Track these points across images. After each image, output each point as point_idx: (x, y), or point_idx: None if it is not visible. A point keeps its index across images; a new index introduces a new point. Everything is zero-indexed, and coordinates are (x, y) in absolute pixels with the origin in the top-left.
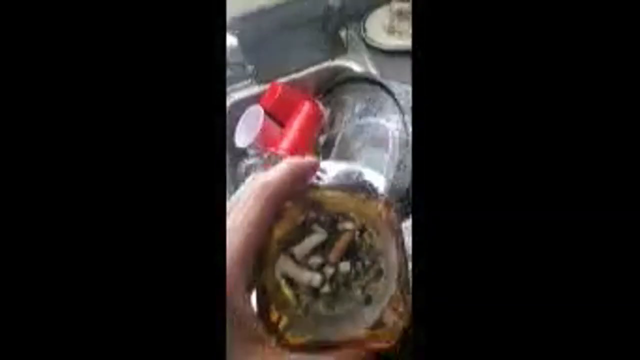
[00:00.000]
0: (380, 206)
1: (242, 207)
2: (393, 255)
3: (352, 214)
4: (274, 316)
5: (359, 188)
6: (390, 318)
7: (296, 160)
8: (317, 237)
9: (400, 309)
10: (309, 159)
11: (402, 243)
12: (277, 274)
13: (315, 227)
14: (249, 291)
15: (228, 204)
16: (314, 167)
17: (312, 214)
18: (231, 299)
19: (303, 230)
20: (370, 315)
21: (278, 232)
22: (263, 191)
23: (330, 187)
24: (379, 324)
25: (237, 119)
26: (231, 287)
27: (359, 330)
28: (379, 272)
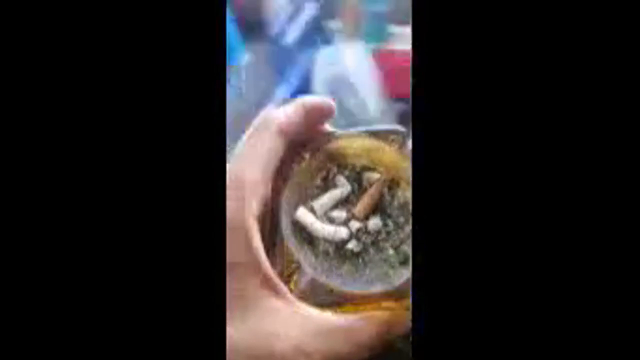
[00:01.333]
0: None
1: (250, 141)
2: None
3: (379, 166)
4: (289, 272)
5: (387, 133)
6: None
7: (310, 99)
8: (340, 191)
9: None
10: (323, 98)
11: None
12: (295, 229)
13: (338, 180)
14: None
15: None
16: (330, 108)
17: (334, 168)
18: (247, 238)
19: (324, 185)
20: (408, 276)
21: (297, 181)
22: (273, 127)
23: (355, 134)
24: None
25: None
26: (242, 222)
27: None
28: None
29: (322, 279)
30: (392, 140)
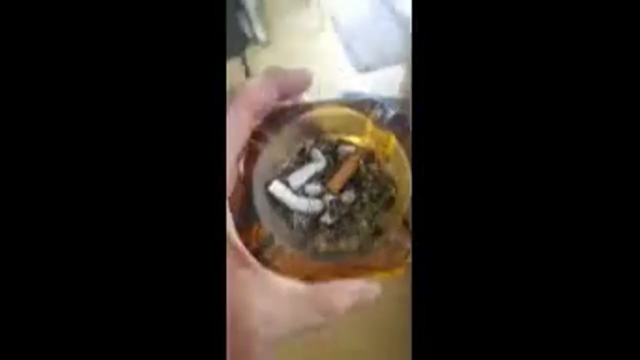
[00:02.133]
0: (392, 125)
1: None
2: (406, 179)
3: (356, 139)
4: (262, 245)
5: (363, 102)
6: (400, 235)
7: (283, 69)
8: (315, 164)
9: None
10: (299, 69)
11: None
12: (268, 202)
13: (315, 153)
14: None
15: None
16: (305, 79)
17: (310, 141)
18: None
19: (301, 158)
20: (381, 247)
21: (271, 154)
22: (239, 100)
23: (330, 104)
24: (386, 248)
25: None
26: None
27: (363, 260)
28: (390, 201)
29: (295, 251)
30: (369, 111)
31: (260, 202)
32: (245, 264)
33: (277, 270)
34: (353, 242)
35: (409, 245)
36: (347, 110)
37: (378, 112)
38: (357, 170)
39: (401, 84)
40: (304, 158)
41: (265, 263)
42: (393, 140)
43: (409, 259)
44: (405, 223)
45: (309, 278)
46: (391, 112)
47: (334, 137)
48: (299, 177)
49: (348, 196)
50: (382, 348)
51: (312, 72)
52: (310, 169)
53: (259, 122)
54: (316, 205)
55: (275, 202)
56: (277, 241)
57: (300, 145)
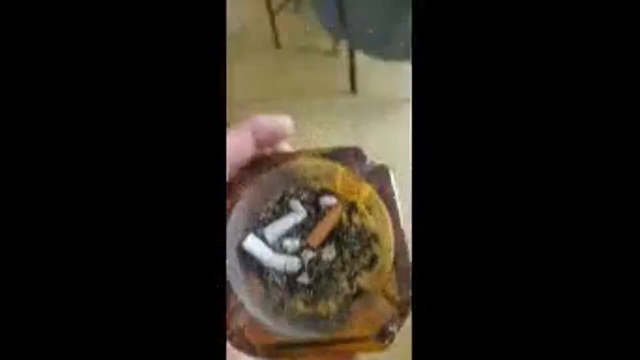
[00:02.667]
0: (372, 178)
1: None
2: (389, 237)
3: (338, 189)
4: (232, 312)
5: (345, 154)
6: (380, 304)
7: (261, 120)
8: (294, 216)
9: (396, 297)
10: (278, 119)
11: (399, 219)
12: (242, 259)
13: (294, 204)
14: None
15: None
16: (283, 130)
17: (291, 190)
18: None
19: (279, 208)
20: (362, 310)
21: (247, 205)
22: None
23: (312, 154)
24: (366, 313)
25: None
26: None
27: (345, 331)
28: (373, 259)
29: (266, 321)
30: (350, 162)
31: (231, 259)
32: None
33: (243, 345)
34: (332, 305)
35: (392, 315)
36: (326, 161)
37: (357, 163)
38: (339, 224)
39: None
40: (282, 208)
41: (234, 334)
42: (368, 190)
43: (394, 332)
44: (384, 292)
45: (278, 353)
46: (369, 163)
47: (317, 186)
48: (276, 230)
49: (329, 252)
50: None
51: (291, 121)
52: (289, 221)
53: (235, 173)
54: (294, 264)
55: (250, 258)
56: (248, 308)
57: (279, 195)
